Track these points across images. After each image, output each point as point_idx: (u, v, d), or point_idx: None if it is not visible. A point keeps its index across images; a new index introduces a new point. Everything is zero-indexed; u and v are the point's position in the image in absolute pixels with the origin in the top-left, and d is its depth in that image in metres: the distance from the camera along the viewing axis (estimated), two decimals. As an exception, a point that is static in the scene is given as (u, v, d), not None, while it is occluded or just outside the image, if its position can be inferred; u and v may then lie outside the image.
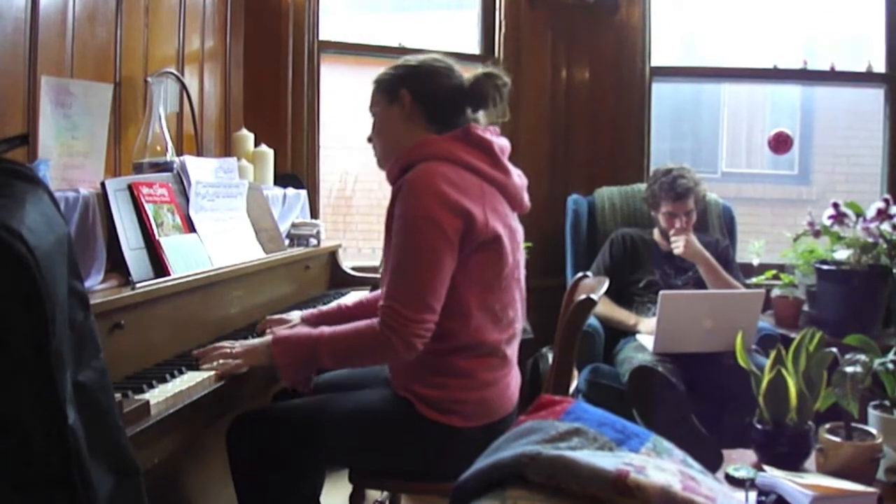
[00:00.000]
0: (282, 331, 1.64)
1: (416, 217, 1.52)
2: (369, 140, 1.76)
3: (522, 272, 1.74)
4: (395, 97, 1.68)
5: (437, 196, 1.51)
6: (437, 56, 1.72)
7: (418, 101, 1.66)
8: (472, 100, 1.69)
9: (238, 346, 1.62)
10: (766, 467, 1.59)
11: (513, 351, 1.70)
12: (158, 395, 1.34)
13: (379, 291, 1.89)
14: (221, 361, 1.57)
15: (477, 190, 1.58)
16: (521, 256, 1.73)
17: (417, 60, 1.71)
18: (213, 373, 1.52)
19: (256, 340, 1.66)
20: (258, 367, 1.62)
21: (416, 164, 1.58)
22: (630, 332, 2.76)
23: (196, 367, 1.55)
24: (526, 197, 1.74)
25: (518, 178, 1.72)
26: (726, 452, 1.76)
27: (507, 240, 1.62)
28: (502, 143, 1.69)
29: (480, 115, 1.73)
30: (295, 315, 1.93)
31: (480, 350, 1.61)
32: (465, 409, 1.60)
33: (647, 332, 2.68)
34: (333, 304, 1.93)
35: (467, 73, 1.73)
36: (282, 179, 2.82)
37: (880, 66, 3.60)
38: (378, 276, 2.38)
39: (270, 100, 3.01)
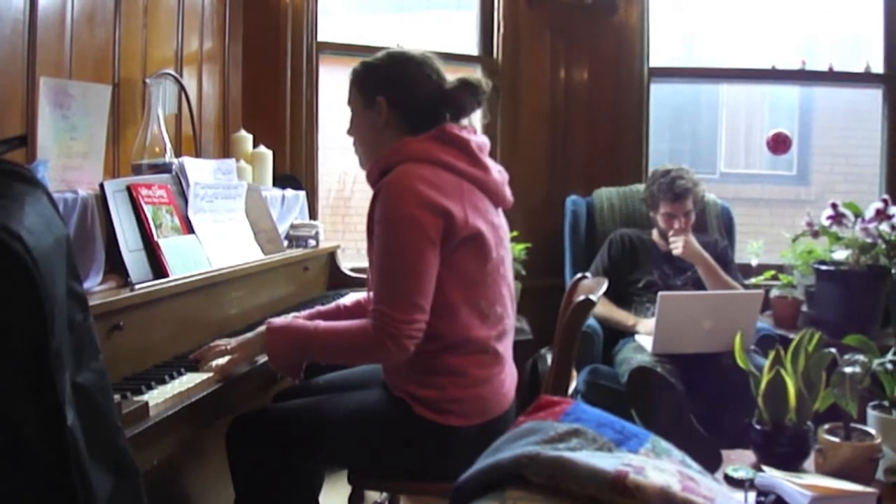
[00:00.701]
0: (277, 320, 1.65)
1: (396, 219, 1.53)
2: (349, 132, 1.76)
3: (509, 268, 1.74)
4: (371, 102, 1.66)
5: (415, 197, 1.52)
6: (418, 58, 1.69)
7: (395, 109, 1.66)
8: (450, 109, 1.68)
9: (233, 342, 1.63)
10: (765, 468, 1.59)
11: (505, 348, 1.70)
12: (157, 397, 1.34)
13: (352, 296, 1.90)
14: (218, 362, 1.59)
15: (455, 188, 1.58)
16: (507, 252, 1.73)
17: (396, 63, 1.68)
18: (212, 374, 1.52)
19: (250, 333, 1.67)
20: (255, 368, 1.63)
21: (394, 166, 1.59)
22: (629, 333, 2.76)
23: (195, 369, 1.55)
24: (508, 192, 1.74)
25: (498, 173, 1.72)
26: (725, 453, 1.76)
27: (489, 236, 1.62)
28: (480, 141, 1.69)
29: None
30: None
31: (469, 347, 1.61)
32: (460, 408, 1.60)
33: (645, 333, 2.68)
34: (332, 305, 1.95)
35: (462, 73, 1.72)
36: (280, 180, 2.82)
37: (878, 67, 3.60)
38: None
39: (269, 101, 3.01)
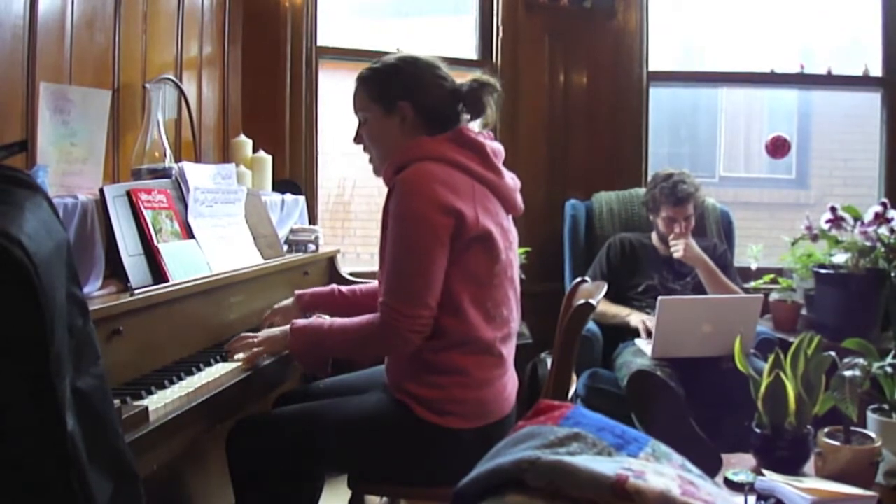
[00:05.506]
0: (299, 321, 1.72)
1: (407, 217, 1.56)
2: (357, 141, 1.77)
3: (516, 273, 1.76)
4: (392, 108, 1.68)
5: (428, 196, 1.54)
6: (429, 61, 1.72)
7: (419, 112, 1.68)
8: (469, 107, 1.71)
9: (260, 335, 1.73)
10: (765, 471, 1.59)
11: (509, 351, 1.71)
12: (157, 401, 1.34)
13: (373, 284, 1.94)
14: (243, 354, 1.68)
15: (468, 189, 1.60)
16: (515, 257, 1.75)
17: (411, 67, 1.70)
18: (211, 378, 1.53)
19: (277, 330, 1.76)
20: (256, 372, 1.66)
21: (409, 164, 1.61)
22: (629, 337, 2.76)
23: (192, 372, 1.56)
24: (519, 199, 1.76)
25: (511, 180, 1.74)
26: (725, 457, 1.76)
27: (499, 237, 1.64)
28: (495, 146, 1.72)
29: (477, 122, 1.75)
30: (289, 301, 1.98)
31: (475, 347, 1.62)
32: (461, 410, 1.61)
33: (637, 323, 2.68)
34: (327, 288, 1.99)
35: (461, 77, 1.74)
36: (280, 185, 2.82)
37: (877, 70, 3.61)
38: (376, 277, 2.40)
39: (269, 106, 3.01)
